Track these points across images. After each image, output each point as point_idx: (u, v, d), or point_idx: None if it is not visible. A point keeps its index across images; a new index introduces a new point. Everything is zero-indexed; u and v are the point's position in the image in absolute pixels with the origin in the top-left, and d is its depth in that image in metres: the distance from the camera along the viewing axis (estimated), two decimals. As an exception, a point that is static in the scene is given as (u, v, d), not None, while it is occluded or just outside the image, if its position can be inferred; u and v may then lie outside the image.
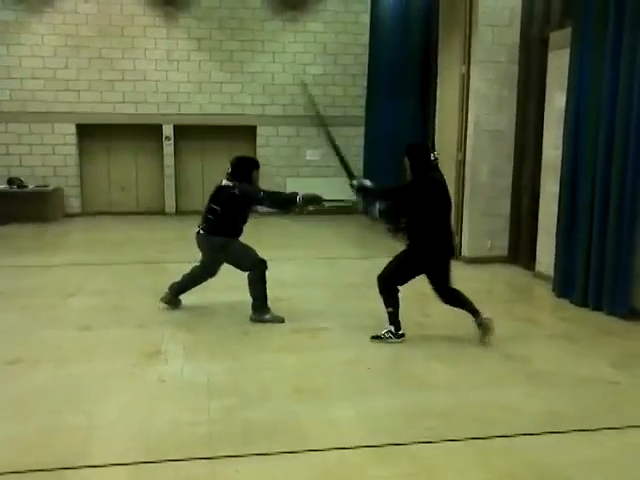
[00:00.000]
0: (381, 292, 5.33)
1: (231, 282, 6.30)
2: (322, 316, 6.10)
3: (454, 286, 5.36)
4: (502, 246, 8.56)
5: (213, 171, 14.22)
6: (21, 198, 12.46)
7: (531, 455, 3.42)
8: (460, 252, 8.64)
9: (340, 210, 5.94)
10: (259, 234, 12.05)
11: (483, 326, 5.23)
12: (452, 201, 5.45)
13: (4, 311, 6.17)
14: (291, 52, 13.85)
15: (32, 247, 10.04)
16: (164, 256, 8.72)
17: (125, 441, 3.57)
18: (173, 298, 6.18)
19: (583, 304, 6.32)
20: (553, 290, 6.85)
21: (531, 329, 5.78)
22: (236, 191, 5.71)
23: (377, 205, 5.32)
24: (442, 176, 5.24)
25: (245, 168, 5.86)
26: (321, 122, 6.46)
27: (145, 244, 10.28)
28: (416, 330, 5.61)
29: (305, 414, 3.90)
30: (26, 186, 12.72)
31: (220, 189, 5.84)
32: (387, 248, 6.64)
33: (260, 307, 5.90)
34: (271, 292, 6.21)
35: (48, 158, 13.30)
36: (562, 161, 6.77)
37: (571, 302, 6.48)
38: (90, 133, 13.59)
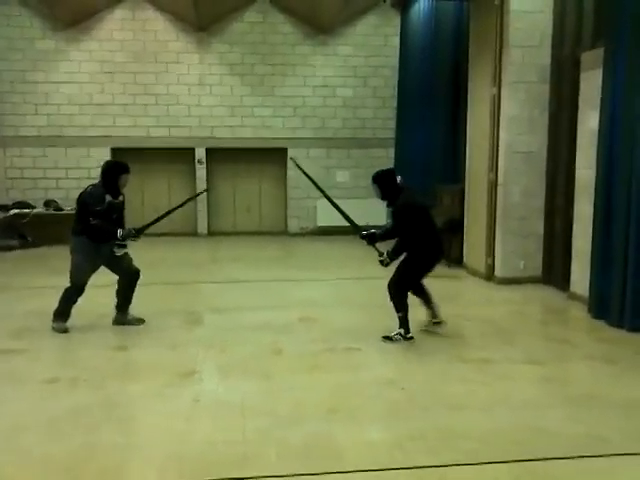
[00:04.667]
0: (392, 298, 5.83)
1: (259, 302, 6.33)
2: (354, 336, 6.08)
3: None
4: (535, 267, 8.47)
5: (244, 193, 14.43)
6: (57, 220, 12.67)
7: None
8: (493, 272, 8.58)
9: (354, 231, 6.18)
10: (289, 255, 12.17)
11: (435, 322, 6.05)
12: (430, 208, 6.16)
13: (42, 331, 6.25)
14: (321, 75, 14.01)
15: (66, 268, 10.15)
16: (197, 277, 8.80)
17: (161, 460, 3.59)
18: (124, 316, 6.27)
19: (619, 325, 6.21)
20: (589, 311, 6.74)
21: (567, 351, 5.69)
22: (87, 190, 5.86)
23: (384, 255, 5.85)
24: (410, 193, 5.91)
25: (110, 172, 5.96)
26: (321, 190, 6.97)
27: (178, 265, 10.39)
28: (451, 350, 5.58)
29: (340, 435, 3.88)
30: (62, 208, 12.97)
31: (84, 191, 5.97)
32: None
33: (60, 316, 6.11)
34: (303, 312, 6.24)
35: (84, 181, 13.47)
36: (596, 181, 6.70)
37: (607, 323, 6.37)
38: (125, 157, 13.71)
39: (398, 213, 5.77)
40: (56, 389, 4.70)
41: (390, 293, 5.85)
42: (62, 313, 6.13)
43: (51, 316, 6.16)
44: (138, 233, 6.04)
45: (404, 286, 5.87)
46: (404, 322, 5.80)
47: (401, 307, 5.81)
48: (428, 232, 5.85)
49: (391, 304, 5.86)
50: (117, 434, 3.92)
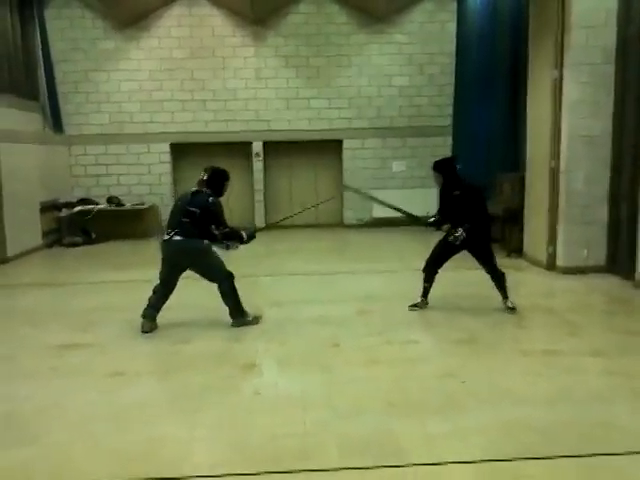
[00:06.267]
0: (502, 276, 6.49)
1: (317, 295, 6.36)
2: (412, 328, 6.07)
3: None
4: (599, 256, 8.22)
5: (301, 186, 14.48)
6: (119, 216, 13.07)
7: (640, 476, 3.27)
8: (555, 262, 8.37)
9: (416, 223, 6.57)
10: (345, 247, 12.17)
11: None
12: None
13: (105, 325, 6.46)
14: (377, 64, 13.88)
15: (130, 263, 10.47)
16: (256, 270, 8.90)
17: (223, 452, 3.66)
18: (152, 323, 6.15)
19: (690, 316, 5.98)
20: (657, 300, 6.52)
21: (634, 342, 5.49)
22: (209, 200, 5.91)
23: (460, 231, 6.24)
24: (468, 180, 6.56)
25: (221, 180, 6.12)
26: (379, 201, 7.47)
27: (236, 258, 10.49)
28: (513, 343, 5.49)
29: (400, 428, 3.86)
30: (124, 204, 13.33)
31: (195, 193, 6.00)
32: (471, 259, 6.59)
33: (240, 314, 6.15)
34: (360, 304, 6.22)
35: (144, 177, 13.89)
36: (665, 166, 6.45)
37: (677, 314, 6.15)
38: (183, 152, 14.10)
39: (470, 195, 6.30)
40: (122, 382, 4.84)
41: (499, 275, 6.42)
42: (240, 309, 6.20)
43: (231, 320, 6.19)
44: (255, 234, 6.35)
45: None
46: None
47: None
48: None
49: (496, 286, 6.46)
50: (181, 426, 4.02)
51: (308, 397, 4.40)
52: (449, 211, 6.44)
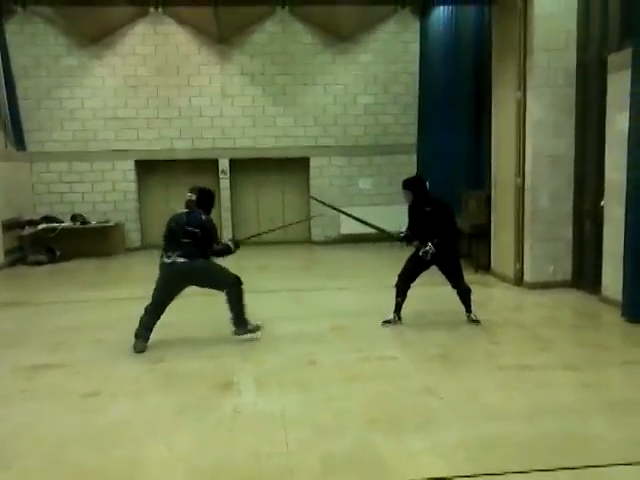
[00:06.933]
0: (468, 293, 6.71)
1: (289, 312, 6.39)
2: (387, 344, 6.12)
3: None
4: (565, 271, 8.42)
5: (268, 203, 14.50)
6: (84, 234, 12.88)
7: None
8: (522, 277, 8.54)
9: (387, 238, 6.72)
10: (314, 264, 12.20)
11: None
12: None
13: (76, 345, 6.35)
14: (342, 83, 14.05)
15: (97, 282, 10.33)
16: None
17: (208, 473, 3.62)
18: (145, 343, 6.12)
19: (656, 329, 6.15)
20: (622, 315, 6.69)
21: (604, 356, 5.63)
22: (204, 218, 6.08)
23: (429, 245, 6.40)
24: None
25: (210, 199, 6.31)
26: (348, 215, 7.58)
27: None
28: (486, 357, 5.57)
29: (382, 445, 3.88)
30: (88, 222, 13.13)
31: (190, 215, 6.11)
32: (440, 275, 6.73)
33: (242, 322, 6.23)
34: (333, 321, 6.24)
35: (109, 194, 13.74)
36: (627, 183, 6.65)
37: (643, 327, 6.32)
38: (149, 169, 14.00)
39: (440, 211, 6.50)
40: (97, 403, 4.76)
41: (466, 291, 6.64)
42: (243, 317, 6.25)
43: (233, 329, 6.26)
44: (239, 244, 6.54)
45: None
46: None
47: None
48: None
49: (461, 300, 6.68)
50: (161, 446, 3.96)
51: (288, 416, 4.39)
52: (419, 227, 6.58)
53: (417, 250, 6.53)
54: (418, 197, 6.55)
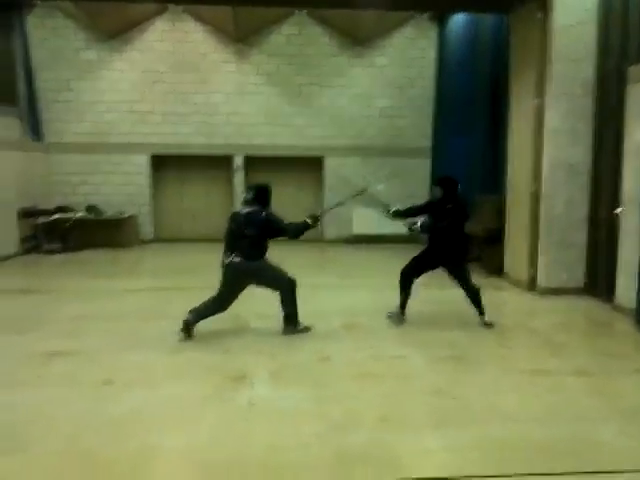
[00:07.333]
0: (479, 293, 6.77)
1: (301, 308, 6.45)
2: (399, 343, 6.15)
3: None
4: (578, 278, 8.43)
5: (281, 201, 14.45)
6: (98, 225, 12.98)
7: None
8: (535, 283, 8.56)
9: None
10: (327, 262, 12.23)
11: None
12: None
13: (90, 333, 6.42)
14: (358, 86, 14.09)
15: (110, 272, 10.40)
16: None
17: (223, 464, 3.67)
18: (191, 330, 6.23)
19: (669, 339, 6.16)
20: (637, 323, 6.70)
21: (616, 363, 5.63)
22: (265, 216, 6.15)
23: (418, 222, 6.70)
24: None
25: (267, 194, 6.37)
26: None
27: (217, 269, 10.50)
28: (498, 361, 5.59)
29: (396, 442, 3.92)
30: (103, 213, 13.23)
31: (248, 215, 6.17)
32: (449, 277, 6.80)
33: (293, 322, 6.39)
34: (345, 319, 6.28)
35: (123, 187, 13.82)
36: (644, 193, 6.67)
37: (656, 336, 6.33)
38: (164, 163, 14.09)
39: (458, 209, 6.57)
40: (112, 391, 4.81)
41: (474, 292, 6.68)
42: (294, 317, 6.43)
43: (284, 326, 6.42)
44: (319, 217, 6.60)
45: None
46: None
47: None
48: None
49: (472, 302, 6.72)
50: (176, 437, 4.00)
51: (302, 410, 4.43)
52: (434, 219, 6.70)
53: (409, 229, 6.80)
54: (446, 195, 6.63)
